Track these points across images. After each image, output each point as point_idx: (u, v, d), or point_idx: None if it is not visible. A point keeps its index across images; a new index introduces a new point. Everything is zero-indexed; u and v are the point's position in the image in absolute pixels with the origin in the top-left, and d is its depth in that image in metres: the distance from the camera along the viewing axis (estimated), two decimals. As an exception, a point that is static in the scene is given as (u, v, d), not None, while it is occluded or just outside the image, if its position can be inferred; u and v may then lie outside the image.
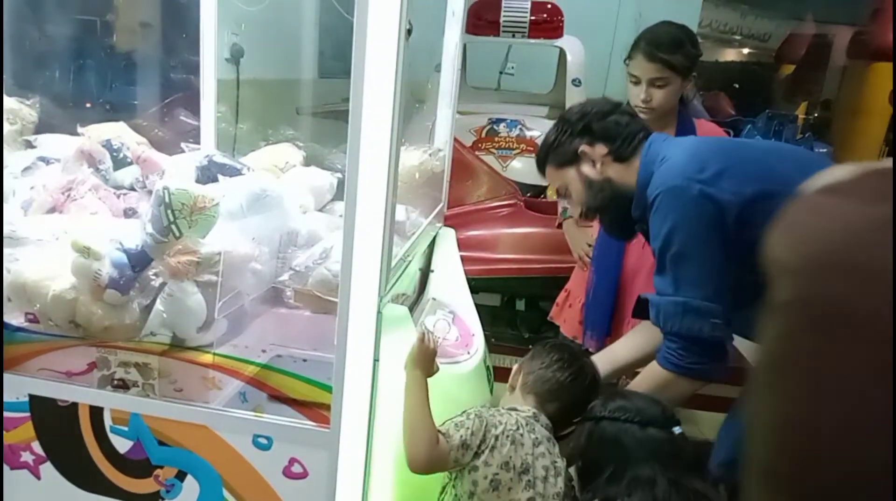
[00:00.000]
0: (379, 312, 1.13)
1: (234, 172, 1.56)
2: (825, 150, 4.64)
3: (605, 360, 1.43)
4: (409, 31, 1.04)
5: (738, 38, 6.64)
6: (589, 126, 1.37)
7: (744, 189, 1.19)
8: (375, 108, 1.05)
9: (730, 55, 6.92)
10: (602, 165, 1.36)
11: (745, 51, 7.05)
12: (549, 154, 1.42)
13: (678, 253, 1.22)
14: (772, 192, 1.13)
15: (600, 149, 1.36)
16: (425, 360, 1.13)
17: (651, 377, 1.30)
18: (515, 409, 1.19)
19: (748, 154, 1.34)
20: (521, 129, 3.98)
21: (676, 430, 1.13)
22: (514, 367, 1.30)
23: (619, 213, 1.39)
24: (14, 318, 1.23)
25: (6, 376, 1.23)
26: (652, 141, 1.35)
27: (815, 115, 6.37)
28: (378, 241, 1.10)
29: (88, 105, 2.36)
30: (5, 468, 1.26)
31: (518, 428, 1.13)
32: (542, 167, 1.47)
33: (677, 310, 1.23)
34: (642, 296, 1.35)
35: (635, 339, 1.47)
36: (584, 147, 1.36)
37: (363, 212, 1.09)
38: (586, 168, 1.37)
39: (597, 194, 1.37)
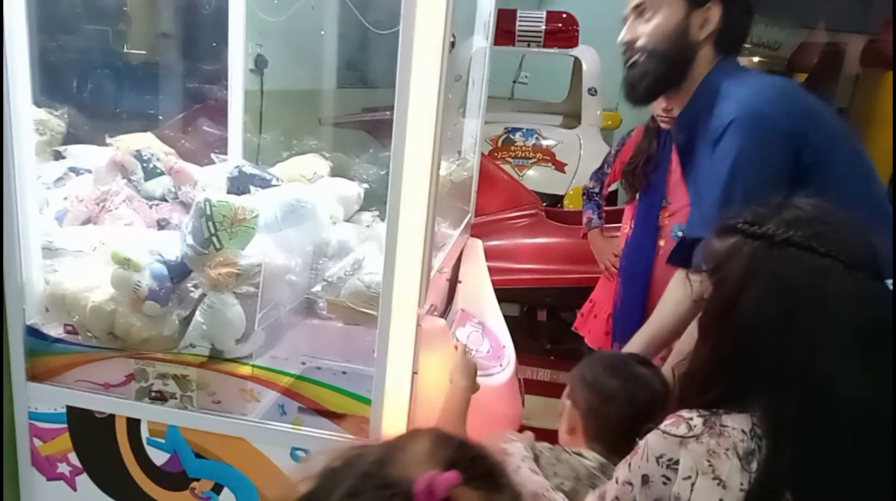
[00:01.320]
0: (418, 324, 1.13)
1: (264, 183, 1.57)
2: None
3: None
4: (452, 44, 1.04)
5: (748, 46, 6.64)
6: None
7: (822, 146, 1.15)
8: (419, 121, 1.05)
9: (741, 63, 6.92)
10: (704, 34, 1.24)
11: (756, 59, 7.04)
12: None
13: (743, 190, 1.13)
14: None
15: (717, 19, 1.23)
16: (472, 373, 1.12)
17: (673, 287, 1.29)
18: (581, 455, 1.04)
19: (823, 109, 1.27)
20: (537, 138, 3.99)
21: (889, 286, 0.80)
22: (566, 401, 1.12)
23: (664, 79, 1.27)
24: (52, 329, 1.23)
25: (44, 386, 1.23)
26: (737, 61, 1.28)
27: (829, 124, 6.33)
28: (419, 254, 1.10)
29: (116, 114, 2.37)
30: (42, 479, 1.26)
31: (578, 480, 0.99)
32: None
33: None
34: (686, 238, 1.26)
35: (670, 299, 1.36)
36: (715, 2, 1.22)
37: (404, 225, 1.08)
38: (696, 18, 1.23)
39: (675, 46, 1.24)
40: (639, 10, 1.28)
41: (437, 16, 1.00)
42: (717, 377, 0.80)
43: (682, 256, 1.25)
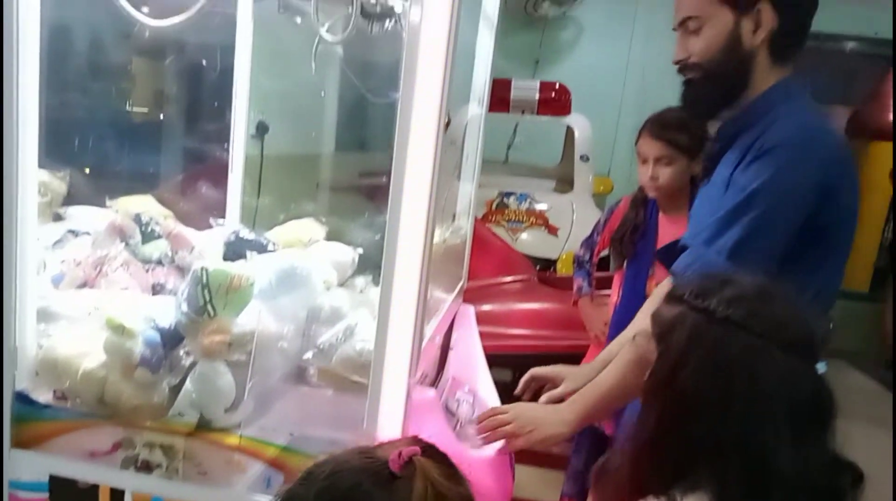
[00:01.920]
0: (408, 395, 1.13)
1: (260, 248, 1.59)
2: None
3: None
4: (447, 124, 1.08)
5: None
6: None
7: (841, 213, 1.13)
8: (413, 195, 1.08)
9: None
10: (759, 39, 1.16)
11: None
12: None
13: (758, 216, 1.08)
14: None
15: (770, 20, 1.15)
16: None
17: (640, 340, 1.23)
18: None
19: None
20: (530, 202, 4.06)
21: (821, 368, 0.85)
22: None
23: (723, 96, 1.20)
24: (42, 395, 1.22)
25: (28, 454, 1.21)
26: (806, 84, 1.20)
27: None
28: (410, 323, 1.12)
29: (117, 173, 2.41)
30: (20, 550, 1.23)
31: None
32: None
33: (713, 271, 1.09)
34: (682, 243, 1.20)
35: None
36: (764, 3, 1.14)
37: (398, 294, 1.10)
38: (746, 24, 1.15)
39: (729, 59, 1.17)
40: (685, 27, 1.22)
41: (434, 87, 1.04)
42: (665, 451, 0.81)
43: (670, 259, 1.22)
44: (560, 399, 1.36)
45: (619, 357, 1.27)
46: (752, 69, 1.19)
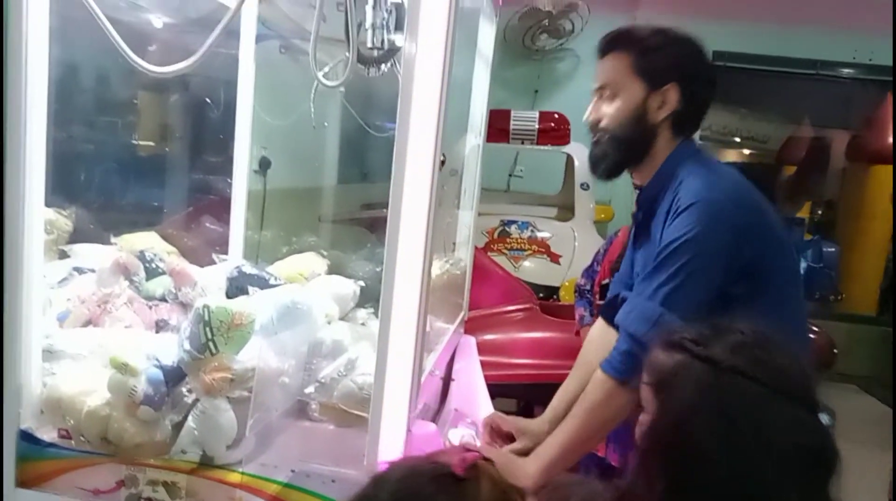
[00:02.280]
0: (409, 430, 1.14)
1: (262, 283, 1.61)
2: (833, 250, 4.71)
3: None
4: (442, 163, 1.11)
5: (737, 139, 6.90)
6: (693, 74, 1.30)
7: (763, 249, 1.22)
8: (410, 228, 1.10)
9: (731, 156, 7.17)
10: (662, 116, 1.30)
11: (746, 152, 7.30)
12: (638, 47, 1.30)
13: (685, 264, 1.19)
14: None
15: (677, 102, 1.29)
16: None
17: (591, 389, 1.27)
18: None
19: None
20: (532, 230, 4.09)
21: (824, 420, 0.84)
22: None
23: (623, 160, 1.34)
24: (46, 433, 1.23)
25: (32, 493, 1.22)
26: (695, 145, 1.35)
27: (820, 213, 6.50)
28: (410, 356, 1.13)
29: (122, 207, 2.44)
30: None
31: None
32: (612, 47, 1.33)
33: (652, 316, 1.20)
34: (622, 295, 1.31)
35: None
36: (672, 85, 1.28)
37: (396, 328, 1.12)
38: (654, 100, 1.29)
39: (634, 129, 1.30)
40: (601, 92, 1.34)
41: (429, 120, 1.07)
42: None
43: (611, 313, 1.31)
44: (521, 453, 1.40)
45: (577, 406, 1.31)
46: (654, 140, 1.32)
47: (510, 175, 4.95)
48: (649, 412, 0.88)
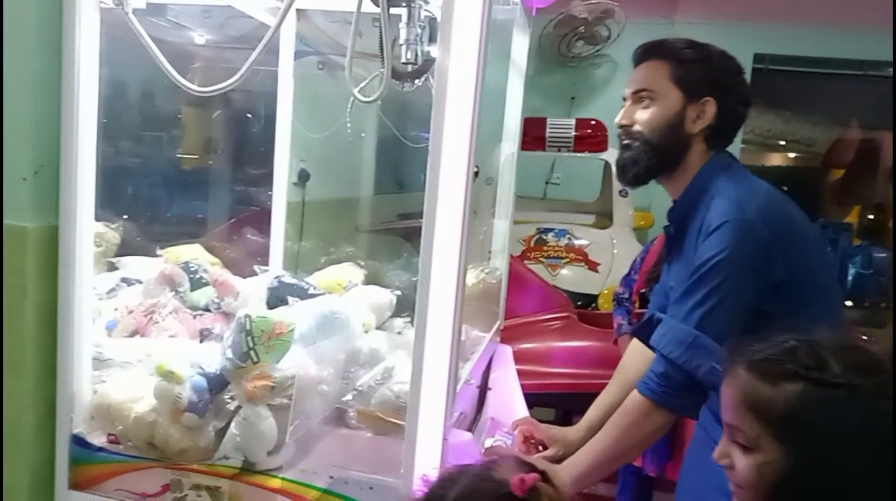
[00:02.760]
0: (445, 438, 1.15)
1: (301, 292, 1.64)
2: (884, 255, 4.55)
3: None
4: (476, 174, 1.12)
5: (782, 143, 6.74)
6: (729, 89, 1.30)
7: (796, 263, 1.20)
8: (445, 237, 1.11)
9: (775, 160, 7.00)
10: (698, 128, 1.30)
11: (791, 155, 7.12)
12: (679, 57, 1.30)
13: (718, 285, 1.19)
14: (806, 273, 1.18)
15: (711, 114, 1.29)
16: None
17: (627, 409, 1.27)
18: None
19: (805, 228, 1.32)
20: (569, 238, 4.06)
21: None
22: None
23: (654, 167, 1.33)
24: (96, 438, 1.28)
25: (84, 495, 1.27)
26: (728, 157, 1.34)
27: (870, 218, 6.29)
28: (445, 365, 1.14)
29: (167, 220, 2.52)
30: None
31: None
32: (651, 54, 1.33)
33: (686, 339, 1.19)
34: (656, 316, 1.31)
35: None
36: (710, 98, 1.29)
37: (432, 337, 1.13)
38: (691, 111, 1.30)
39: (668, 136, 1.30)
40: (637, 97, 1.34)
41: (463, 129, 1.08)
42: None
43: (647, 332, 1.30)
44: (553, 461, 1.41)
45: (612, 422, 1.31)
46: (688, 151, 1.32)
47: (546, 183, 4.93)
48: (767, 454, 0.79)
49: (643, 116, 1.33)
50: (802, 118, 6.45)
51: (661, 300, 1.46)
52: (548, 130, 3.97)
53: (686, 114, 1.30)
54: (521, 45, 1.88)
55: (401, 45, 1.19)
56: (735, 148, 1.41)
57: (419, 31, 1.18)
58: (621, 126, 1.37)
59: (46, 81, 1.21)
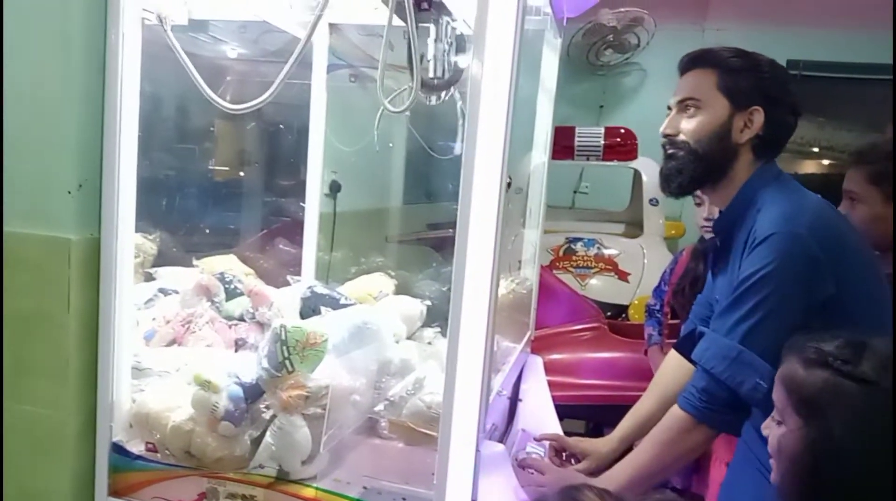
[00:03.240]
0: (478, 450, 1.14)
1: (333, 303, 1.66)
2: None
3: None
4: (508, 185, 1.12)
5: (815, 150, 6.61)
6: (777, 99, 1.28)
7: (846, 280, 1.16)
8: (478, 248, 1.12)
9: (809, 167, 6.87)
10: (745, 137, 1.27)
11: (825, 162, 6.98)
12: (726, 65, 1.28)
13: (763, 300, 1.16)
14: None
15: (759, 124, 1.27)
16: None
17: (667, 424, 1.24)
18: None
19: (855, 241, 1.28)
20: (598, 247, 4.03)
21: None
22: None
23: (700, 177, 1.30)
24: (135, 446, 1.31)
25: (122, 503, 1.30)
26: (777, 167, 1.31)
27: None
28: (478, 376, 1.14)
29: (201, 230, 2.56)
30: None
31: None
32: (697, 63, 1.32)
33: (730, 354, 1.16)
34: (699, 329, 1.28)
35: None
36: (757, 108, 1.26)
37: (465, 349, 1.13)
38: (738, 121, 1.27)
39: (715, 146, 1.27)
40: (683, 105, 1.32)
41: (496, 137, 1.09)
42: None
43: (689, 347, 1.28)
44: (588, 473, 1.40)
45: (652, 437, 1.28)
46: (735, 161, 1.29)
47: (575, 192, 4.91)
48: (789, 424, 0.92)
49: (689, 126, 1.30)
50: (837, 125, 6.32)
51: (705, 311, 1.43)
52: (576, 138, 3.96)
53: (733, 123, 1.27)
54: (551, 55, 1.88)
55: (428, 60, 1.21)
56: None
57: (447, 46, 1.20)
58: (666, 135, 1.34)
59: (91, 98, 1.24)
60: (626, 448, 1.48)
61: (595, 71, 5.00)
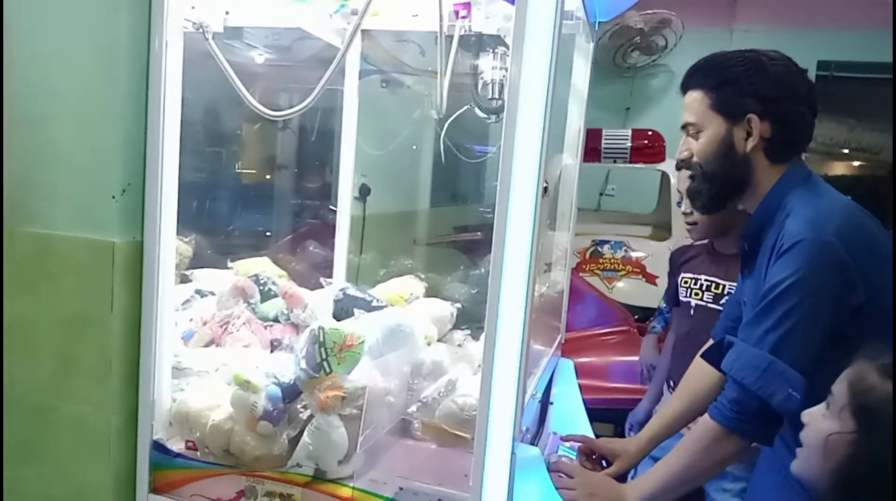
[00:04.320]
0: (513, 452, 1.15)
1: (366, 305, 1.68)
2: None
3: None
4: (545, 190, 1.13)
5: (845, 151, 6.50)
6: (774, 97, 1.25)
7: (877, 286, 1.15)
8: (515, 250, 1.13)
9: (839, 169, 6.76)
10: (751, 146, 1.26)
11: (856, 163, 6.86)
12: (711, 83, 1.28)
13: (792, 309, 1.14)
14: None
15: (765, 129, 1.25)
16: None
17: (698, 433, 1.23)
18: None
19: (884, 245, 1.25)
20: (625, 250, 4.01)
21: None
22: None
23: (719, 195, 1.31)
24: (175, 444, 1.34)
25: (163, 499, 1.33)
26: (807, 168, 1.28)
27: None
28: (514, 379, 1.15)
29: (233, 233, 2.61)
30: None
31: None
32: (689, 85, 1.33)
33: (760, 364, 1.15)
34: (727, 339, 1.26)
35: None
36: (752, 115, 1.25)
37: (501, 352, 1.14)
38: (738, 132, 1.26)
39: (722, 163, 1.27)
40: (686, 129, 1.34)
41: (533, 136, 1.10)
42: None
43: (717, 357, 1.26)
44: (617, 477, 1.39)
45: (682, 446, 1.27)
46: (750, 170, 1.28)
47: (601, 194, 4.89)
48: (842, 425, 0.93)
49: (697, 148, 1.32)
50: (868, 125, 6.21)
51: (735, 311, 1.42)
52: (603, 141, 3.94)
53: (734, 136, 1.27)
54: (582, 58, 1.88)
55: (486, 84, 1.25)
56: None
57: (504, 73, 1.23)
58: (682, 161, 1.36)
59: (134, 106, 1.28)
60: (653, 448, 1.48)
61: (622, 73, 4.98)
